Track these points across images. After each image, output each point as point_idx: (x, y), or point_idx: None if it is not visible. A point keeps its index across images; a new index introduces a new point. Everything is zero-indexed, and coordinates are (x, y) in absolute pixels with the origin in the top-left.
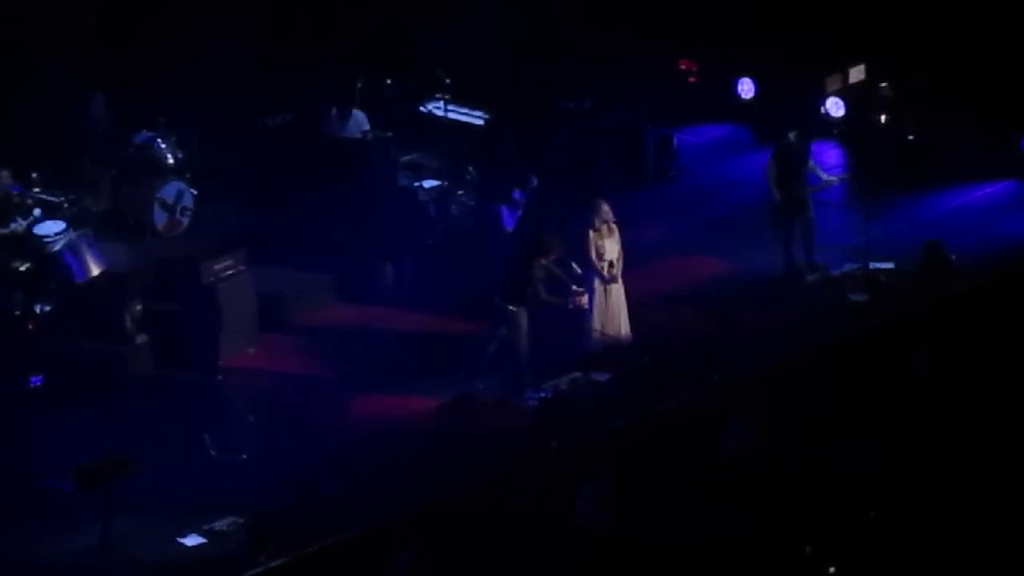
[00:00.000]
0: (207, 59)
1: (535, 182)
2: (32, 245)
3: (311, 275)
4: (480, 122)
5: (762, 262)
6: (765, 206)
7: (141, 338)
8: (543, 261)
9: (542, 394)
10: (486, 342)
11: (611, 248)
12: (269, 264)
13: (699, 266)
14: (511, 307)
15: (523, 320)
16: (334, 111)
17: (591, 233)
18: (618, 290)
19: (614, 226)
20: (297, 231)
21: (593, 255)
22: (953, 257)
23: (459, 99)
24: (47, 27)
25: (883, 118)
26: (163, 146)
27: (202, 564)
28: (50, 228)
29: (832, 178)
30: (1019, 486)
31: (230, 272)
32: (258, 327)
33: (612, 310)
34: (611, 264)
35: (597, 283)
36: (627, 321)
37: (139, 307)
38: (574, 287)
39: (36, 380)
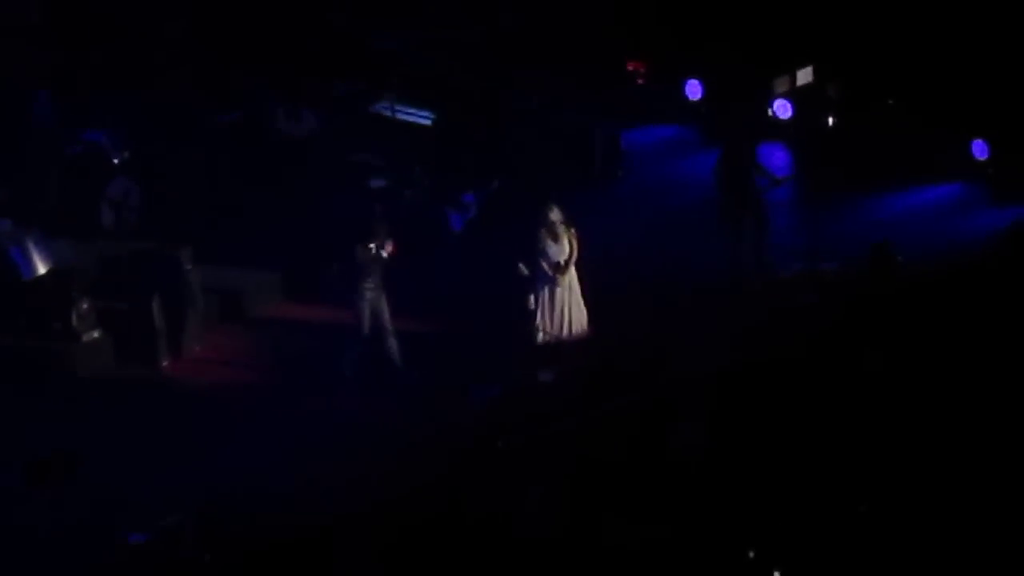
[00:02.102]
0: (155, 57)
1: (496, 185)
2: None
3: (258, 273)
4: (427, 122)
5: (709, 263)
6: (713, 207)
7: (88, 336)
8: (370, 246)
9: (488, 393)
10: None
11: (557, 249)
12: (216, 262)
13: (646, 266)
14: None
15: (359, 308)
16: (282, 111)
17: (539, 233)
18: (564, 290)
19: (562, 227)
20: (244, 229)
21: (540, 255)
22: (900, 258)
23: (407, 100)
24: None
25: (831, 120)
26: (109, 144)
27: (149, 561)
28: None
29: (779, 179)
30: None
31: (177, 269)
32: (206, 325)
33: (558, 309)
34: (558, 265)
35: (543, 283)
36: (579, 319)
37: (86, 304)
38: None
39: None
